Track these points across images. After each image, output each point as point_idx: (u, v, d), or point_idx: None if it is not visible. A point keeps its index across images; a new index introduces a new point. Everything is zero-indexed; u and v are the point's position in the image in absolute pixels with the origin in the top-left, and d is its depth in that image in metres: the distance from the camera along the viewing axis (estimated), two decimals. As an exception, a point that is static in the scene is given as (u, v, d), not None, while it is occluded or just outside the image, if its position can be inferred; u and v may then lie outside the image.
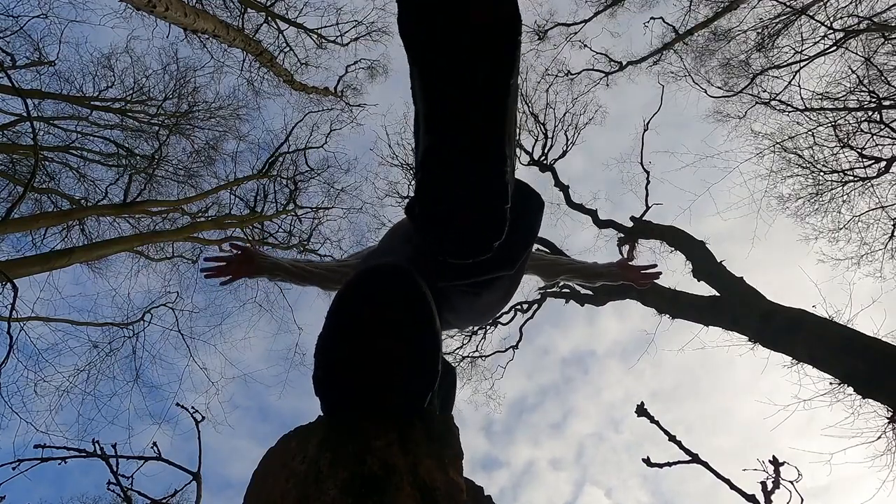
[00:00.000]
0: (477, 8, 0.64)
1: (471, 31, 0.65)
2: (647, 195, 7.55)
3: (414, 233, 0.91)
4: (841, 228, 6.84)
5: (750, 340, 5.17)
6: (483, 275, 0.97)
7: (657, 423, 1.32)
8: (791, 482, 1.12)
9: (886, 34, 6.30)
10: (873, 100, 6.27)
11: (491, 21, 0.64)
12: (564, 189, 8.14)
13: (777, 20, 7.65)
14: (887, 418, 4.70)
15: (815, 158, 6.93)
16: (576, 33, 9.56)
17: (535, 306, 8.39)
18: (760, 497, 1.10)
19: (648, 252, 7.21)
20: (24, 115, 7.55)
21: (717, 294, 5.63)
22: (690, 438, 1.23)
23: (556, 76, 9.36)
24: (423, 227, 0.78)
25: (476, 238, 0.78)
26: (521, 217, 0.84)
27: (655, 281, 1.56)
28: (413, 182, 0.88)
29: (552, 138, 8.85)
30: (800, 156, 7.10)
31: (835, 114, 6.66)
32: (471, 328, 8.20)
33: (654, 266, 1.58)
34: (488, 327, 8.65)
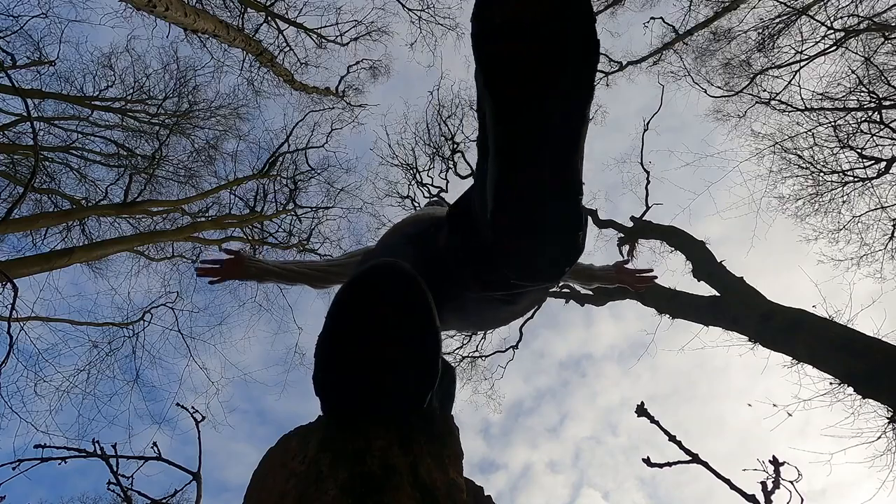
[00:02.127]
0: (555, 31, 0.62)
1: (552, 55, 0.63)
2: (647, 195, 7.56)
3: (458, 245, 0.90)
4: (841, 229, 6.84)
5: (750, 340, 5.17)
6: (531, 287, 0.95)
7: (657, 422, 1.31)
8: (791, 482, 1.12)
9: (886, 34, 6.30)
10: (873, 100, 6.27)
11: (571, 45, 0.62)
12: (564, 189, 8.12)
13: (777, 20, 7.65)
14: (887, 418, 4.70)
15: (815, 159, 6.93)
16: (576, 33, 9.52)
17: (536, 306, 8.39)
18: (760, 497, 1.10)
19: (648, 252, 7.21)
20: (25, 115, 7.55)
21: (717, 294, 5.63)
22: (688, 441, 1.23)
23: (556, 76, 9.33)
24: (495, 255, 0.76)
25: (550, 265, 0.77)
26: None
27: (652, 284, 1.56)
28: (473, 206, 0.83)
29: (552, 138, 8.83)
30: (800, 156, 7.10)
31: (835, 114, 6.66)
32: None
33: (651, 270, 1.57)
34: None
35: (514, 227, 0.72)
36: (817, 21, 6.94)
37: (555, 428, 14.25)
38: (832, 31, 6.79)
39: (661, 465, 1.23)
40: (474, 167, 0.84)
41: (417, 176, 9.76)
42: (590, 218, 0.92)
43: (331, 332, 0.77)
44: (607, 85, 9.72)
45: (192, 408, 2.27)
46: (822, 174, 6.88)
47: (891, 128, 6.07)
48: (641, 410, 1.32)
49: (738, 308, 5.24)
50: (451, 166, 9.48)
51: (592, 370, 14.24)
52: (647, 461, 1.22)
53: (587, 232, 0.90)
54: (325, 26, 9.87)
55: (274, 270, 1.46)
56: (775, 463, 1.14)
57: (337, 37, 10.06)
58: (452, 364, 1.21)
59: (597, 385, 14.11)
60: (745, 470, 1.18)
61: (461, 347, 8.81)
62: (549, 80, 0.64)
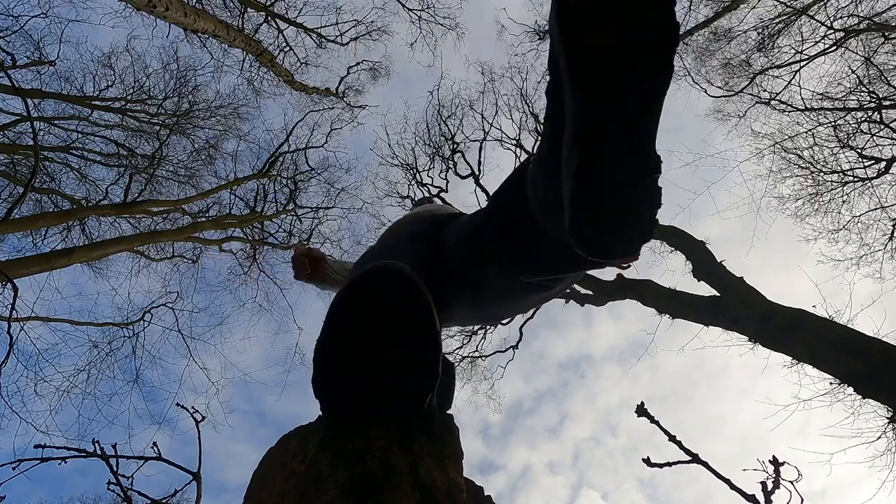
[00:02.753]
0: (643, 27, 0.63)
1: (639, 41, 0.63)
2: (647, 195, 7.54)
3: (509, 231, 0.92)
4: (840, 229, 6.84)
5: (750, 340, 5.17)
6: (599, 266, 0.98)
7: (657, 422, 1.31)
8: (791, 482, 1.12)
9: (886, 34, 6.30)
10: (873, 100, 6.27)
11: (653, 26, 0.62)
12: (564, 189, 8.12)
13: (777, 20, 7.65)
14: (887, 418, 4.70)
15: (815, 159, 6.93)
16: (576, 33, 9.52)
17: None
18: (760, 497, 1.10)
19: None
20: (25, 115, 7.55)
21: (717, 294, 5.63)
22: (688, 441, 1.23)
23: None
24: (573, 236, 0.77)
25: (629, 242, 0.77)
26: None
27: (635, 260, 1.57)
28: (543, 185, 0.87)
29: (552, 138, 8.82)
30: (800, 156, 7.10)
31: (835, 114, 6.66)
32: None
33: None
34: (488, 327, 8.66)
35: (596, 209, 0.73)
36: (817, 21, 6.94)
37: (554, 428, 14.28)
38: (832, 31, 6.79)
39: (661, 465, 1.23)
40: (535, 153, 0.85)
41: (417, 176, 9.76)
42: None
43: (330, 335, 0.77)
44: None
45: (192, 408, 2.27)
46: (822, 174, 6.89)
47: (891, 128, 6.07)
48: (641, 410, 1.32)
49: (738, 308, 5.24)
50: (451, 166, 9.48)
51: (592, 371, 14.27)
52: (646, 461, 1.22)
53: None
54: (325, 26, 9.88)
55: (338, 280, 1.41)
56: (775, 463, 1.14)
57: (337, 37, 10.07)
58: (452, 362, 1.21)
59: (596, 386, 14.14)
60: (745, 470, 1.18)
61: (461, 347, 8.82)
62: (633, 61, 0.65)
